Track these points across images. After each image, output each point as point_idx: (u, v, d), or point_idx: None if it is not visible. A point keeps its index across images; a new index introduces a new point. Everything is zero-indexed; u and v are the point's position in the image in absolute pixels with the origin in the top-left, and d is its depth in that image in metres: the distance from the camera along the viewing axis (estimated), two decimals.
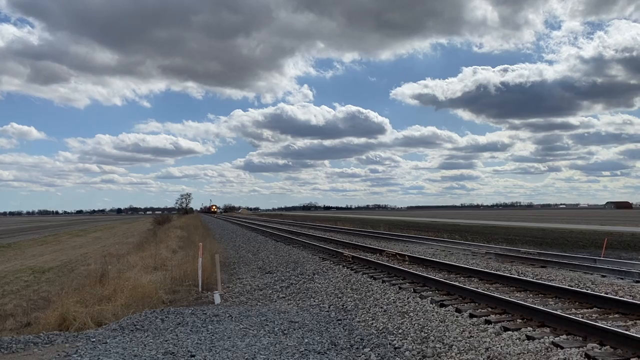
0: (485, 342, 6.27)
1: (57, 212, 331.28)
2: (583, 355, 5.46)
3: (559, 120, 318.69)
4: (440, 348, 6.39)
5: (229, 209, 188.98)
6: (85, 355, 6.48)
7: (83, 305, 9.64)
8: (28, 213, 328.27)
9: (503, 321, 7.05)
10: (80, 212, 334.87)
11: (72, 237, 47.92)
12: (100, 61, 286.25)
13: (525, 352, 5.78)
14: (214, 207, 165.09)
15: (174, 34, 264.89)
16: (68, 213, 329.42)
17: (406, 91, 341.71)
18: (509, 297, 8.51)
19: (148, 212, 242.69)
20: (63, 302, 9.73)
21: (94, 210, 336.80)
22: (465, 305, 8.24)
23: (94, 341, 7.19)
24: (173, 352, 6.58)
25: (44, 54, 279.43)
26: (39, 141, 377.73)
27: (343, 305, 9.43)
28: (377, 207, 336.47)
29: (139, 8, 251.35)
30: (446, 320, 7.38)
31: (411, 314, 8.03)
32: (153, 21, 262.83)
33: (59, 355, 6.53)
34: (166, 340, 7.18)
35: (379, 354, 6.44)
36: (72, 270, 19.96)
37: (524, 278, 10.34)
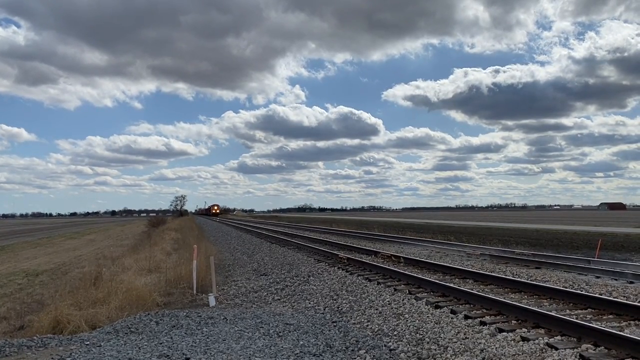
0: (480, 343, 6.29)
1: (50, 215, 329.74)
2: (578, 356, 5.48)
3: (552, 121, 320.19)
4: (435, 350, 6.40)
5: (223, 211, 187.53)
6: (79, 359, 6.45)
7: (77, 308, 9.59)
8: (21, 215, 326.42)
9: (498, 322, 7.06)
10: (74, 214, 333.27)
11: (65, 240, 47.66)
12: (89, 62, 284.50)
13: (520, 353, 5.80)
14: (215, 207, 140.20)
15: (163, 34, 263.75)
16: (62, 215, 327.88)
17: (398, 92, 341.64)
18: (504, 298, 8.53)
19: (142, 214, 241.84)
20: (57, 305, 9.68)
21: (87, 212, 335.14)
22: (460, 306, 8.26)
23: (88, 344, 7.16)
24: (168, 355, 6.56)
25: (31, 55, 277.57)
26: (30, 143, 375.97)
27: (338, 307, 9.43)
28: (372, 209, 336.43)
29: (127, 8, 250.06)
30: (441, 322, 7.40)
31: (406, 315, 8.04)
32: (142, 21, 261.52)
33: (52, 358, 6.49)
34: (161, 343, 7.16)
35: (374, 355, 6.44)
36: (66, 273, 19.85)
37: (519, 279, 10.37)
